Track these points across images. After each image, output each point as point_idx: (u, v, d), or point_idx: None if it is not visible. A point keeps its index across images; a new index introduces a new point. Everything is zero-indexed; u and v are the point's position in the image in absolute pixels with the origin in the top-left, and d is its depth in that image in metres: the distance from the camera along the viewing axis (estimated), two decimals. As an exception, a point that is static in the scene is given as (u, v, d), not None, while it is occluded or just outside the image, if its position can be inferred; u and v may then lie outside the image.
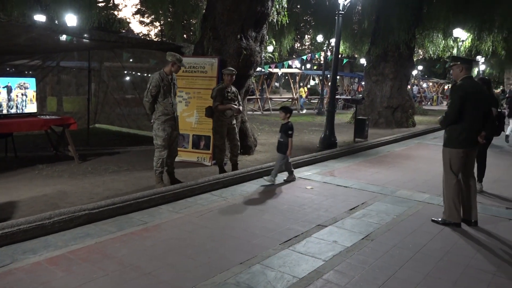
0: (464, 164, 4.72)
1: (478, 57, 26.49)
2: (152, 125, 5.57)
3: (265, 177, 6.39)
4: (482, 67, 31.60)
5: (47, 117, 7.15)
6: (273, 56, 21.97)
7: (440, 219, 4.80)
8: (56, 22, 11.58)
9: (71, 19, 11.70)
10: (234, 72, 6.41)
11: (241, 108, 6.62)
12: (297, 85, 23.43)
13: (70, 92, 11.54)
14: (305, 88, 23.36)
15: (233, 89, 6.49)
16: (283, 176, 6.67)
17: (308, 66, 38.97)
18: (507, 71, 31.89)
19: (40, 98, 9.98)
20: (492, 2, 14.18)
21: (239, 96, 6.63)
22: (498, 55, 19.22)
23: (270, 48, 21.75)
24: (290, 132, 6.23)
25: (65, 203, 4.84)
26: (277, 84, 39.35)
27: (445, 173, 4.78)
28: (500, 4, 14.12)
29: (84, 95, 10.44)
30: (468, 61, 4.78)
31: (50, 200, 4.95)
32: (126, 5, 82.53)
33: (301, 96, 22.73)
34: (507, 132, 12.43)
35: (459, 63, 4.70)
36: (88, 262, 3.47)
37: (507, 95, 14.70)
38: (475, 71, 33.58)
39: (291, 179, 6.54)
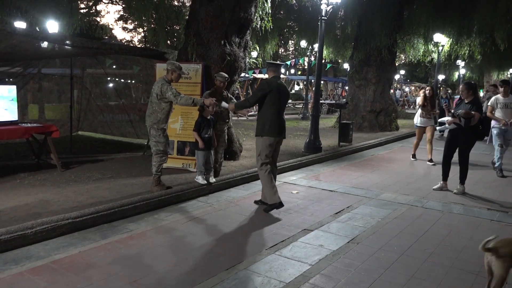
0: (271, 152, 5.30)
1: (458, 61, 27.03)
2: (149, 130, 5.69)
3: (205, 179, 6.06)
4: (462, 71, 32.21)
5: (29, 125, 7.03)
6: (257, 62, 22.04)
7: (268, 207, 5.23)
8: (37, 28, 11.43)
9: (52, 26, 11.55)
10: (226, 78, 6.35)
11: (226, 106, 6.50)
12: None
13: (52, 99, 11.37)
14: None
15: (225, 93, 6.48)
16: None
17: (292, 71, 39.22)
18: (486, 75, 32.59)
19: (21, 106, 9.80)
20: (470, 8, 14.50)
21: (228, 100, 6.61)
22: (476, 59, 19.61)
23: (254, 54, 21.84)
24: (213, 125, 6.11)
25: (48, 212, 4.75)
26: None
27: (258, 162, 5.31)
28: (477, 10, 14.46)
29: (67, 102, 10.29)
30: (273, 64, 5.50)
31: (32, 209, 4.85)
32: (108, 12, 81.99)
33: None
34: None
35: (267, 66, 5.55)
36: (72, 272, 3.42)
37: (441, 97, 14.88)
38: (456, 74, 34.26)
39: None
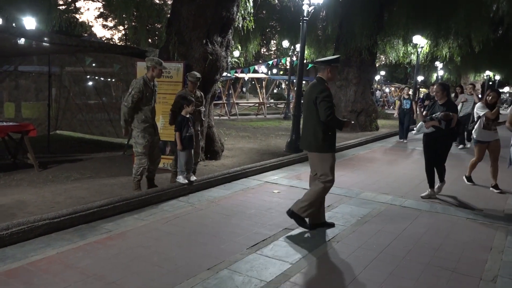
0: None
1: (436, 63, 27.57)
2: (131, 132, 5.55)
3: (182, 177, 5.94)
4: (441, 73, 32.86)
5: (4, 123, 6.87)
6: (239, 61, 22.02)
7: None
8: (13, 25, 11.17)
9: (29, 22, 11.32)
10: (198, 77, 6.16)
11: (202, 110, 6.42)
12: (264, 90, 23.57)
13: (29, 97, 11.13)
14: None
15: (198, 93, 6.38)
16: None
17: (274, 71, 39.36)
18: (463, 76, 33.33)
19: (-3, 104, 9.59)
20: (448, 11, 14.83)
21: (204, 101, 6.53)
22: (454, 61, 20.04)
23: (236, 53, 21.79)
24: None
25: (24, 213, 4.65)
26: (243, 89, 39.49)
27: None
28: (455, 13, 14.79)
29: (44, 100, 10.09)
30: (319, 62, 4.70)
31: (8, 210, 4.74)
32: (88, 9, 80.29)
33: None
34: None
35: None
36: (49, 274, 3.35)
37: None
38: (434, 76, 34.93)
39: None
